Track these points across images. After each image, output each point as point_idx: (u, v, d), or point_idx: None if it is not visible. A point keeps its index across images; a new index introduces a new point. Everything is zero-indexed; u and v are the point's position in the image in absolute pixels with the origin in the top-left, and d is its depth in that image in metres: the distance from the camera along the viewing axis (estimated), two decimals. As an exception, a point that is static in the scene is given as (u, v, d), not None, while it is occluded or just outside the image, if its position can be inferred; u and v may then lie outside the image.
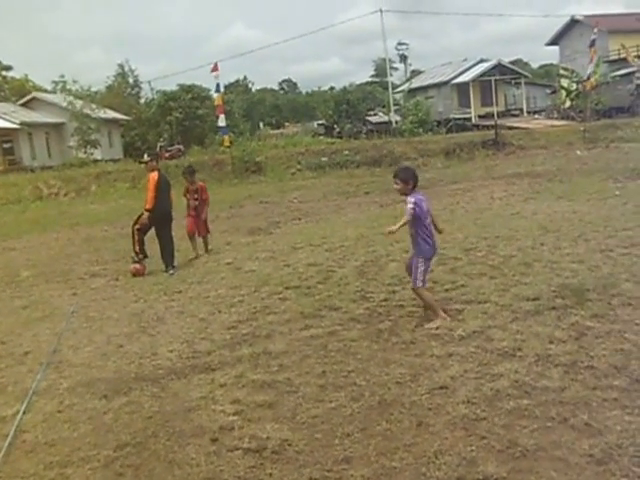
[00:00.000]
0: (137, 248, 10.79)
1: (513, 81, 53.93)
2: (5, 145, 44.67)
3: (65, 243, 15.59)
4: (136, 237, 10.79)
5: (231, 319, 7.43)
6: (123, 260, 11.91)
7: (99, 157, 44.42)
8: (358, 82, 73.67)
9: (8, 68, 69.74)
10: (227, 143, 30.17)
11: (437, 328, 6.17)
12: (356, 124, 53.39)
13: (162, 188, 10.61)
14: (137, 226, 10.75)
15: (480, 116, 50.15)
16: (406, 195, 6.42)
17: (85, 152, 45.00)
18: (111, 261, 12.20)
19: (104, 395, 5.51)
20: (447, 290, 7.53)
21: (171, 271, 10.46)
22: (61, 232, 17.67)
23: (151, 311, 8.22)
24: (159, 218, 10.56)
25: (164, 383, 5.66)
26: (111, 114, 51.69)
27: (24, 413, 5.27)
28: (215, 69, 28.85)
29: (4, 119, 44.29)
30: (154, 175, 10.60)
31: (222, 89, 31.54)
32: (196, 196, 11.96)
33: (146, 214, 10.50)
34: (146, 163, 10.99)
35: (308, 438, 4.38)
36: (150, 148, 47.97)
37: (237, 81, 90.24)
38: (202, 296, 8.74)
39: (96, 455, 4.46)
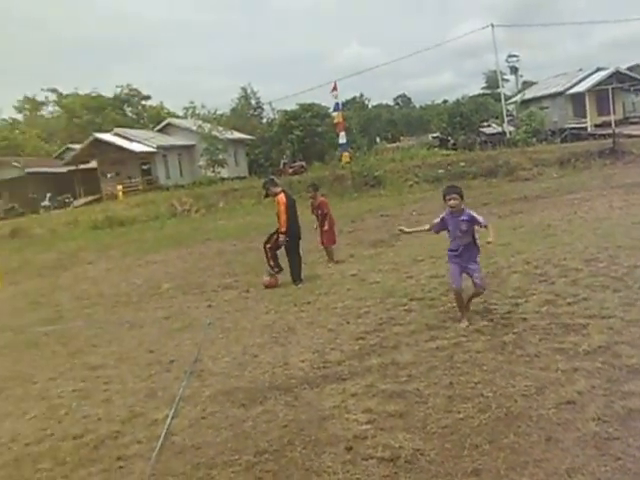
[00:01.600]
0: (272, 263, 11.18)
1: (632, 88, 50.96)
2: (144, 167, 47.28)
3: (198, 257, 16.27)
4: (269, 254, 11.20)
5: (359, 330, 7.44)
6: (252, 273, 12.28)
7: (226, 175, 46.02)
8: (470, 94, 72.33)
9: (147, 98, 74.55)
10: (347, 159, 30.59)
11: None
12: (470, 135, 52.38)
13: (290, 206, 10.89)
14: (269, 245, 11.18)
15: (596, 125, 47.75)
16: (461, 210, 7.28)
17: (213, 171, 46.76)
18: (241, 274, 12.57)
19: (242, 404, 5.66)
20: (569, 304, 7.21)
21: (299, 285, 10.67)
22: (194, 247, 18.46)
23: (282, 322, 8.38)
24: (290, 237, 10.82)
25: (297, 392, 5.75)
26: (236, 135, 53.39)
27: (172, 418, 5.53)
28: (334, 89, 29.40)
29: (144, 144, 46.94)
30: (282, 197, 10.86)
31: (341, 107, 31.89)
32: (319, 211, 12.26)
33: (282, 237, 10.78)
34: (267, 195, 11.43)
35: (439, 448, 4.33)
36: (273, 165, 49.50)
37: (354, 98, 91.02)
38: (330, 307, 8.82)
39: (237, 460, 4.60)
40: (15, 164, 49.07)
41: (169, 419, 5.48)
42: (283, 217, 10.69)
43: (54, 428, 5.70)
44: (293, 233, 10.89)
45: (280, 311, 9.04)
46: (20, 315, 11.68)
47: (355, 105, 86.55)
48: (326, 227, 12.31)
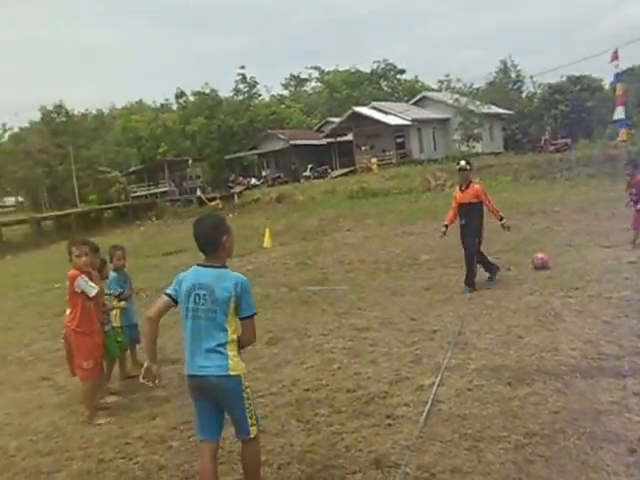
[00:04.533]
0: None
1: None
2: (398, 140, 48.12)
3: (456, 231, 16.04)
4: None
5: (641, 326, 6.78)
6: (513, 251, 12.02)
7: (480, 150, 45.15)
8: None
9: (402, 72, 75.83)
10: (624, 137, 27.87)
11: None
12: None
13: None
14: None
15: None
16: None
17: (467, 145, 46.16)
18: (502, 251, 12.27)
19: (508, 382, 5.56)
20: None
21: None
22: (450, 221, 18.37)
23: (547, 306, 8.00)
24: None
25: (567, 380, 5.48)
26: (493, 109, 52.03)
27: (438, 385, 5.64)
28: (615, 58, 26.76)
29: (399, 117, 47.74)
30: (480, 186, 9.84)
31: (621, 78, 29.01)
32: (633, 190, 11.24)
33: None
34: (464, 170, 9.85)
35: None
36: (531, 142, 47.49)
37: (632, 69, 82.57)
38: (603, 296, 8.12)
39: (506, 437, 4.52)
40: (281, 136, 53.03)
41: (435, 386, 5.59)
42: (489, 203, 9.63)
43: (329, 379, 6.15)
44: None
45: (545, 294, 8.63)
46: (291, 274, 12.72)
47: (632, 77, 78.25)
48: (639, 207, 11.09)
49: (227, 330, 3.76)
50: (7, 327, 11.35)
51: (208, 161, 57.11)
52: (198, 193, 45.37)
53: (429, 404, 5.22)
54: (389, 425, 4.96)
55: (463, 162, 10.01)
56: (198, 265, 3.93)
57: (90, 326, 5.90)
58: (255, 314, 3.80)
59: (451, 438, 4.62)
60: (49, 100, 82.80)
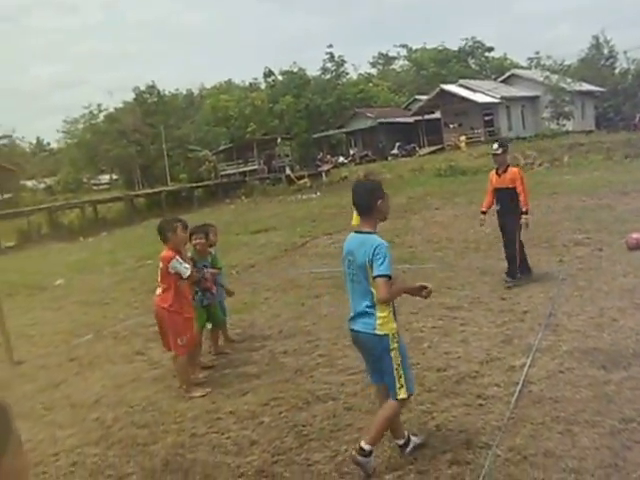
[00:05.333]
0: None
1: None
2: (486, 118, 46.80)
3: (545, 211, 15.57)
4: None
5: None
6: (605, 231, 11.49)
7: (570, 128, 43.41)
8: None
9: (490, 49, 73.77)
10: None
11: None
12: None
13: None
14: None
15: None
16: None
17: (557, 123, 44.42)
18: (593, 231, 11.78)
19: (602, 365, 5.35)
20: None
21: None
22: (540, 200, 17.68)
23: (644, 288, 7.62)
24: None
25: None
26: (585, 86, 49.79)
27: (529, 366, 5.50)
28: None
29: (487, 95, 46.42)
30: (518, 170, 8.87)
31: None
32: None
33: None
34: (496, 154, 8.87)
35: None
36: (624, 119, 45.19)
37: None
38: None
39: (600, 422, 4.36)
40: (369, 115, 52.63)
41: (526, 367, 5.47)
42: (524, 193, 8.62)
43: (419, 358, 6.08)
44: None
45: (640, 276, 8.23)
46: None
47: None
48: None
49: (372, 292, 3.95)
50: (103, 302, 11.78)
51: (296, 140, 57.06)
52: (287, 171, 45.74)
53: (520, 385, 5.12)
54: (480, 405, 4.89)
55: (495, 145, 8.97)
56: (354, 232, 4.18)
57: (181, 304, 5.98)
58: (386, 275, 3.84)
59: (543, 420, 4.51)
60: (142, 80, 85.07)
